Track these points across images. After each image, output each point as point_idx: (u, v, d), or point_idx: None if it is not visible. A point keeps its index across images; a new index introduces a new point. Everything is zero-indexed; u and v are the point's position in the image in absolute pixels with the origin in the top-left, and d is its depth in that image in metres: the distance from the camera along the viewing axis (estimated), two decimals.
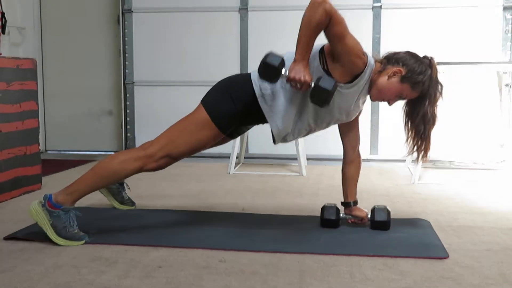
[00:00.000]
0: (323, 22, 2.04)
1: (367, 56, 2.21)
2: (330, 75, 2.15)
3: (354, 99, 2.27)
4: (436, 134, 2.31)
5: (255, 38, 4.67)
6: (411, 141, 2.30)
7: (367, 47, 4.49)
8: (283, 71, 2.09)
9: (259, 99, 2.26)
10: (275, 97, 2.25)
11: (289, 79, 2.09)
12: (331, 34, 2.08)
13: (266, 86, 2.24)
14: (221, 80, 2.38)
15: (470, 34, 4.42)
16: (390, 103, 2.34)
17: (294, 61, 2.10)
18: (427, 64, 2.24)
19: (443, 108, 2.31)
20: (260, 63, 2.09)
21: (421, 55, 2.29)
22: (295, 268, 1.92)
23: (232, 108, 2.27)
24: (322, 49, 2.22)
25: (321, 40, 2.12)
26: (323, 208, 2.48)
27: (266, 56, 2.09)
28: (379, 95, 2.31)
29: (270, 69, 2.08)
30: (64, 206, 2.18)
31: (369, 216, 2.45)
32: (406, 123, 2.32)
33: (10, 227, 2.41)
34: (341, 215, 2.48)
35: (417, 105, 2.27)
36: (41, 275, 1.83)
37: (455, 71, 3.96)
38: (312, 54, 2.17)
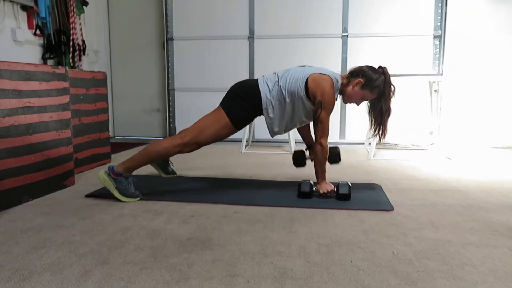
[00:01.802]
0: (327, 150, 2.22)
1: (334, 84, 2.17)
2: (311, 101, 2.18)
3: None
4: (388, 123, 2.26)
5: (259, 58, 4.61)
6: (373, 129, 2.26)
7: (337, 63, 4.48)
8: (314, 188, 2.25)
9: (264, 111, 2.22)
10: (274, 111, 2.22)
11: (321, 193, 2.21)
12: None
13: (270, 102, 2.20)
14: (233, 86, 2.28)
15: (410, 55, 4.36)
16: (357, 104, 2.31)
17: (318, 183, 2.25)
18: (381, 72, 2.20)
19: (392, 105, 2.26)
20: (298, 191, 2.22)
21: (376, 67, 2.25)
22: (287, 217, 1.91)
23: (244, 113, 2.22)
24: (306, 83, 2.16)
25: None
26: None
27: (300, 185, 2.22)
28: (348, 100, 2.29)
29: (305, 194, 2.21)
30: (124, 174, 2.17)
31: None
32: (369, 116, 2.27)
33: (90, 188, 2.42)
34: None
35: (376, 103, 2.23)
36: (110, 221, 1.84)
37: (401, 80, 3.91)
38: (298, 83, 2.17)
